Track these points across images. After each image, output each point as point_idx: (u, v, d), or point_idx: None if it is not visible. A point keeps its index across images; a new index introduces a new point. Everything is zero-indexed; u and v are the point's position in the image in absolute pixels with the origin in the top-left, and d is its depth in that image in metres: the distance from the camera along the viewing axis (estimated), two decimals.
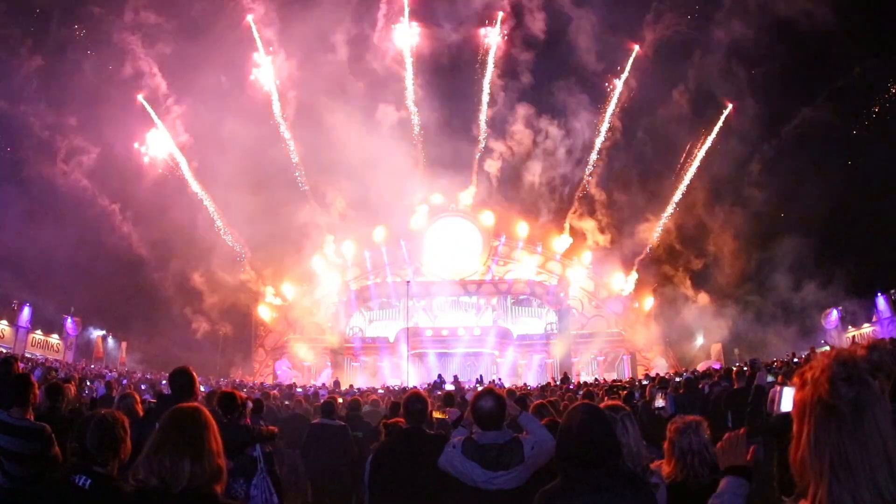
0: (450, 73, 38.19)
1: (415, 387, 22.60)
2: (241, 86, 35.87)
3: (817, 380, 1.39)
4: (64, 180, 31.95)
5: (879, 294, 28.01)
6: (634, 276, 36.14)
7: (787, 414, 1.93)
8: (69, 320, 31.96)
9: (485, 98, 37.66)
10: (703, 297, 33.09)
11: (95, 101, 32.20)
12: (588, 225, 36.88)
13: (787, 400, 1.96)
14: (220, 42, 34.22)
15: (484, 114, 37.83)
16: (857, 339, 25.13)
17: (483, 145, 37.89)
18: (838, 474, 1.30)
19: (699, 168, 35.52)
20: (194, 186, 35.44)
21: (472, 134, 38.11)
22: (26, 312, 29.67)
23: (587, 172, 37.43)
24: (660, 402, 5.51)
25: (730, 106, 35.04)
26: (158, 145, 34.81)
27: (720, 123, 35.28)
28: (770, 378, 10.55)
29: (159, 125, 34.75)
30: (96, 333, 33.72)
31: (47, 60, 31.42)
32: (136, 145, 34.21)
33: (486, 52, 37.11)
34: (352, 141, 35.17)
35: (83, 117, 32.46)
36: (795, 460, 1.41)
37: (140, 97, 34.25)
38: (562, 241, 37.72)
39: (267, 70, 36.14)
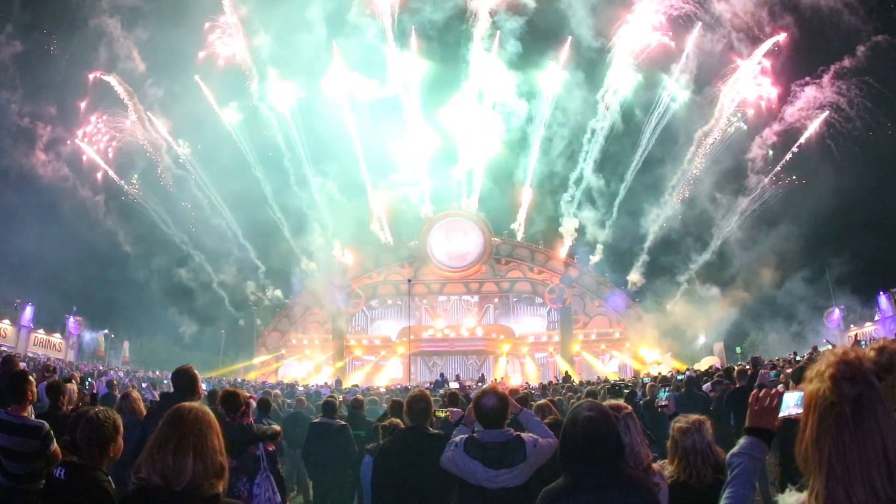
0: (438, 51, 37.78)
1: (417, 386, 22.62)
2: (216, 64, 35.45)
3: (822, 376, 1.42)
4: (50, 173, 31.39)
5: (881, 293, 27.96)
6: (637, 273, 35.98)
7: (786, 419, 1.93)
8: (71, 319, 32.01)
9: (472, 69, 37.14)
10: (706, 296, 32.91)
11: (73, 87, 31.79)
12: (588, 216, 36.64)
13: (784, 406, 1.95)
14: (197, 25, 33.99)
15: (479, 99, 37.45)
16: (859, 337, 25.04)
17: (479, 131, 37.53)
18: (835, 469, 1.33)
19: (703, 158, 34.85)
20: (174, 174, 35.15)
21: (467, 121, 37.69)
22: (28, 312, 29.71)
23: (583, 158, 36.87)
24: (662, 401, 5.50)
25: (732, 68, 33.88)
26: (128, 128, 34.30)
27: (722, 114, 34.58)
28: (773, 375, 10.57)
29: (129, 105, 34.22)
30: (98, 333, 33.78)
31: (27, 46, 30.86)
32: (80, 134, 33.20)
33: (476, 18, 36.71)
34: (342, 126, 34.96)
35: (71, 108, 32.17)
36: (799, 452, 1.43)
37: (99, 76, 33.33)
38: (563, 239, 37.61)
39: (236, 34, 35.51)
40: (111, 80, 33.26)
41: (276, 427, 5.78)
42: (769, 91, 33.65)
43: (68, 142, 33.25)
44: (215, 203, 35.39)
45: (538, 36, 36.33)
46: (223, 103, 34.88)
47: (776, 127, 33.22)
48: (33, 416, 4.41)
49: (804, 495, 1.43)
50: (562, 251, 37.86)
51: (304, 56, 34.59)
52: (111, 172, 33.64)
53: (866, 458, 1.32)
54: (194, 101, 34.10)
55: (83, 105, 32.95)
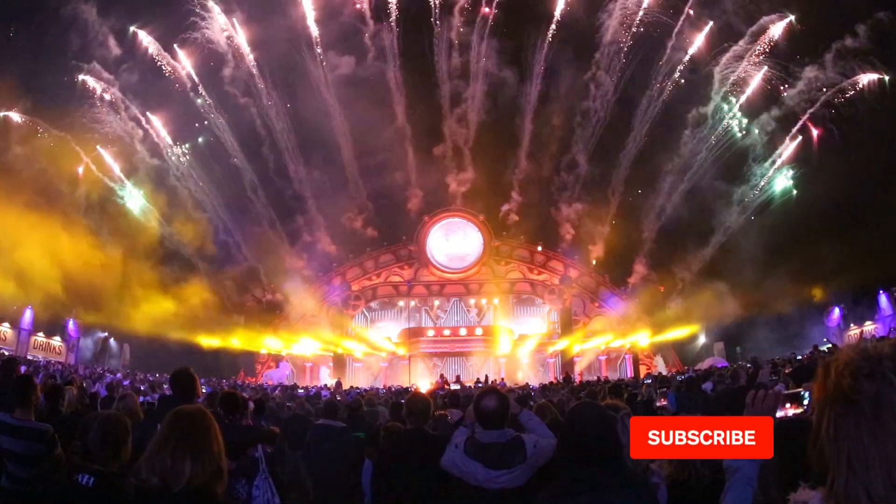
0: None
1: (417, 387, 22.67)
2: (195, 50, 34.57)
3: (840, 372, 1.39)
4: (27, 167, 29.83)
5: (881, 292, 27.90)
6: (637, 272, 35.72)
7: (786, 419, 1.93)
8: (71, 322, 31.96)
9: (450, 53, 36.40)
10: (706, 294, 32.55)
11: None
12: (586, 211, 35.99)
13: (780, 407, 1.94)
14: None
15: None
16: (865, 335, 24.98)
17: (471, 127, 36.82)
18: (854, 468, 1.31)
19: (699, 143, 33.61)
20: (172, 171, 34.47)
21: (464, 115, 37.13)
22: (28, 315, 29.67)
23: (575, 142, 35.56)
24: (662, 402, 5.52)
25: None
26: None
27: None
28: (773, 377, 10.57)
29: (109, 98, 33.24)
30: (98, 336, 33.72)
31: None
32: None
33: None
34: (325, 113, 34.53)
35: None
36: (813, 449, 1.41)
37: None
38: (563, 239, 37.44)
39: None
40: (88, 78, 32.58)
41: (275, 428, 5.79)
42: (767, 72, 32.22)
43: (41, 132, 31.77)
44: (201, 201, 34.74)
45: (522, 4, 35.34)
46: (200, 88, 34.45)
47: (775, 111, 31.84)
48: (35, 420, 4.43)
49: (818, 492, 1.41)
50: (561, 251, 37.76)
51: (281, 37, 33.78)
52: (93, 168, 32.94)
53: (886, 456, 1.30)
54: (170, 88, 33.67)
55: (59, 97, 32.20)
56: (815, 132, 31.21)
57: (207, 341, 32.64)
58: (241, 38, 34.64)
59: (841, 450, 1.34)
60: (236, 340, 33.80)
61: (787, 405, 1.93)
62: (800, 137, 32.03)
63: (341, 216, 36.47)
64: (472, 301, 37.81)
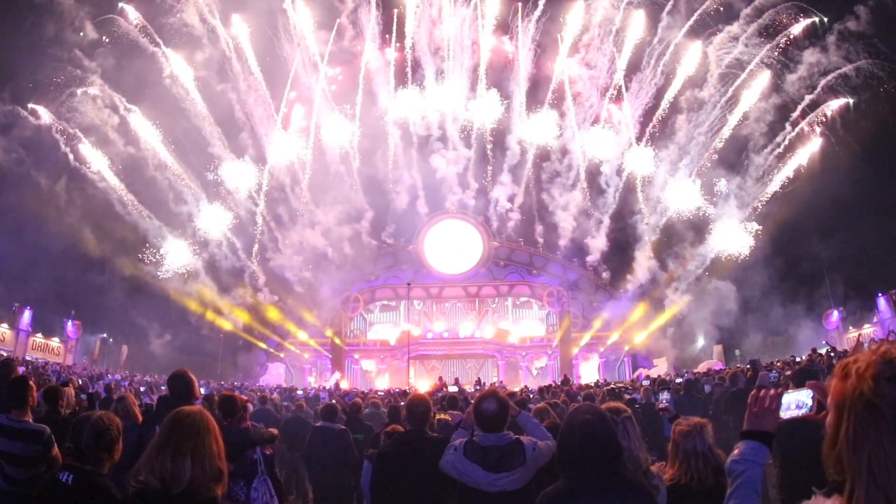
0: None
1: (416, 389, 22.56)
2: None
3: (861, 375, 1.33)
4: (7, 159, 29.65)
5: (880, 294, 27.90)
6: (635, 273, 35.59)
7: (786, 421, 1.89)
8: (69, 323, 31.92)
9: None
10: (705, 297, 32.45)
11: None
12: (583, 210, 36.02)
13: (784, 407, 1.91)
14: None
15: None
16: (861, 339, 24.93)
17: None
18: (875, 474, 1.26)
19: (693, 129, 33.31)
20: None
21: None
22: (27, 316, 29.65)
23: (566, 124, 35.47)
24: (664, 404, 5.51)
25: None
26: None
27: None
28: (774, 374, 10.56)
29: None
30: (96, 337, 33.67)
31: None
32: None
33: None
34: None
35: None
36: (830, 455, 1.36)
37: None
38: (562, 241, 37.35)
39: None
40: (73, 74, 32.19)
41: (273, 431, 5.78)
42: (764, 55, 31.50)
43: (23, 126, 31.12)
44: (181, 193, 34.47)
45: None
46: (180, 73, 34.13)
47: (775, 99, 30.98)
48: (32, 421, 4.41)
49: (835, 500, 1.37)
50: (560, 253, 37.66)
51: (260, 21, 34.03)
52: (71, 157, 32.56)
53: None
54: (150, 72, 33.52)
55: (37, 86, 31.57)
56: (815, 125, 30.76)
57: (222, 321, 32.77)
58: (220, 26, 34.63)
59: (861, 456, 1.28)
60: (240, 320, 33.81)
61: (792, 405, 1.87)
62: (799, 127, 31.52)
63: (338, 217, 36.46)
64: (471, 303, 37.77)
